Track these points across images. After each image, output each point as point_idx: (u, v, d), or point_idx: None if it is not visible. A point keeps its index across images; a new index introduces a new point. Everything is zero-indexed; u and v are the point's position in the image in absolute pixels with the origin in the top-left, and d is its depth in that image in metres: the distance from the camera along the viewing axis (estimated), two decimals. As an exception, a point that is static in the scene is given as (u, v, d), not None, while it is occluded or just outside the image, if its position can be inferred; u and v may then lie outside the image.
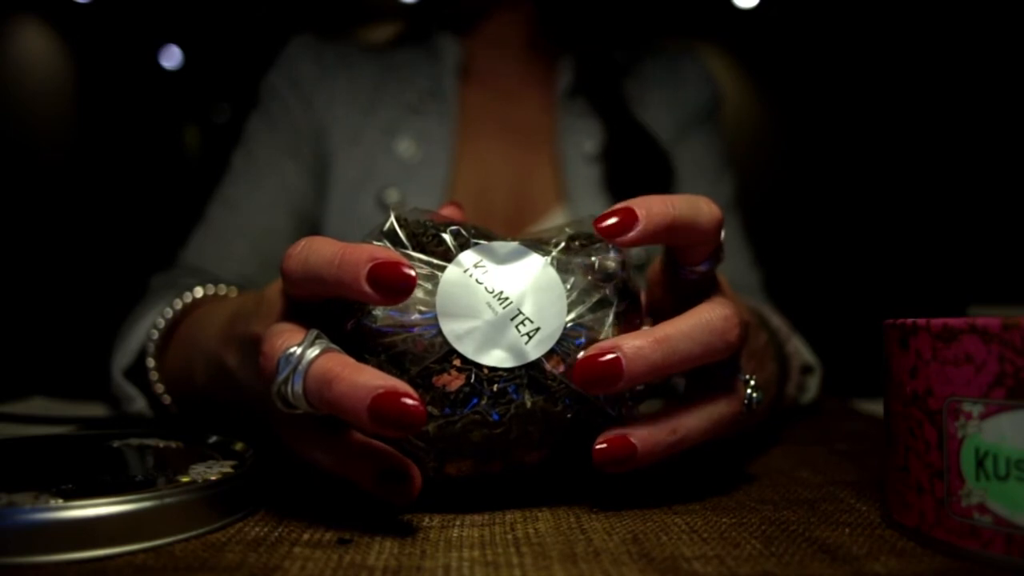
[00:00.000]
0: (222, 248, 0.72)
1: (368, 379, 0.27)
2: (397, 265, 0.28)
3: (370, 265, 0.28)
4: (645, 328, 0.31)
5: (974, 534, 0.26)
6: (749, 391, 0.35)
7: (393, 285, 0.28)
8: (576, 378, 0.30)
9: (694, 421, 0.32)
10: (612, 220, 0.31)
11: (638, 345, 0.30)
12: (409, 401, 0.27)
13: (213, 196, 0.76)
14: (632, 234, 0.31)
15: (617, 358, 0.29)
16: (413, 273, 0.28)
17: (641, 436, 0.31)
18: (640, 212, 0.31)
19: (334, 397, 0.27)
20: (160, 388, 0.53)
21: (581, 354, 0.30)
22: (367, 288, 0.28)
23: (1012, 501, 0.25)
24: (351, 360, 0.29)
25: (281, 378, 0.29)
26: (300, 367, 0.28)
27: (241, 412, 0.41)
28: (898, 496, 0.29)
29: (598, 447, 0.31)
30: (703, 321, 0.31)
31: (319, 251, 0.30)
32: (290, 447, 0.32)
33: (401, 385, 0.27)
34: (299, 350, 0.29)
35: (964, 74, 2.77)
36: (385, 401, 0.26)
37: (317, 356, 0.28)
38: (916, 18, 2.86)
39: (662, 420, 0.32)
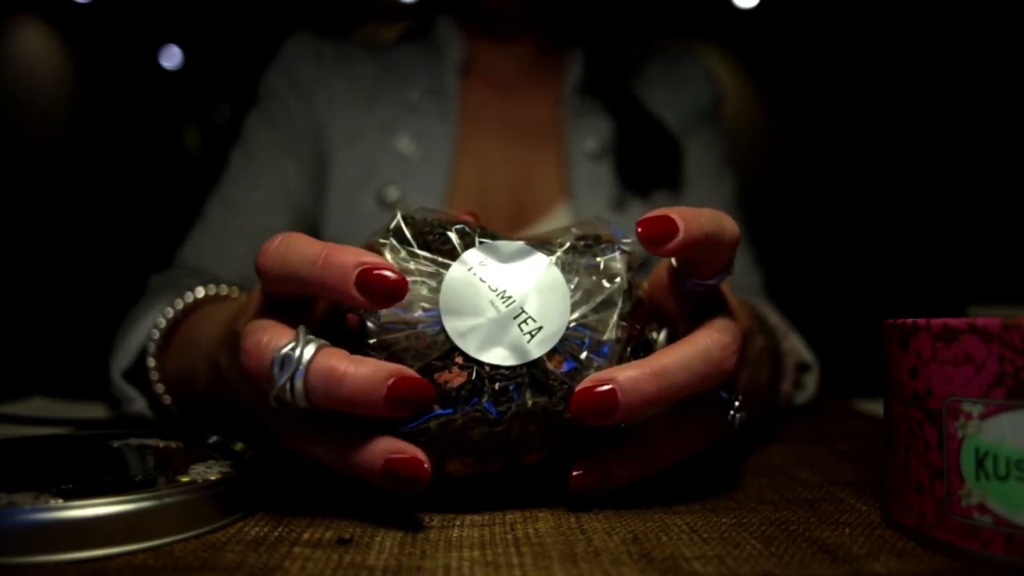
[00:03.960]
0: (221, 248, 0.72)
1: (376, 370, 0.28)
2: (385, 271, 0.29)
3: (358, 270, 0.29)
4: (640, 361, 0.31)
5: (974, 534, 0.26)
6: (733, 411, 0.35)
7: (382, 291, 0.29)
8: (572, 409, 0.30)
9: (671, 456, 0.34)
10: (656, 226, 0.30)
11: (634, 377, 0.30)
12: (420, 380, 0.28)
13: (212, 195, 0.76)
14: (672, 244, 0.30)
15: (612, 390, 0.29)
16: (402, 277, 0.29)
17: (615, 473, 0.32)
18: (680, 223, 0.30)
19: (346, 393, 0.28)
20: (161, 388, 0.53)
21: (578, 387, 0.30)
22: (355, 293, 0.29)
23: (1012, 501, 0.25)
24: (347, 353, 0.29)
25: (281, 381, 0.28)
26: (300, 368, 0.28)
27: (241, 412, 0.41)
28: (898, 496, 0.29)
29: (574, 474, 0.32)
30: (702, 350, 0.31)
31: (298, 249, 0.30)
32: (290, 447, 0.32)
33: (404, 368, 0.29)
34: (296, 351, 0.28)
35: (964, 74, 2.77)
36: (401, 386, 0.28)
37: (314, 355, 0.29)
38: (916, 18, 2.86)
39: (637, 452, 0.33)
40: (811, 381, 0.62)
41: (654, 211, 0.31)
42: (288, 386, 0.28)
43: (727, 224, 0.32)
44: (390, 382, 0.28)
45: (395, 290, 0.29)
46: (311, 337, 0.29)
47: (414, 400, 0.28)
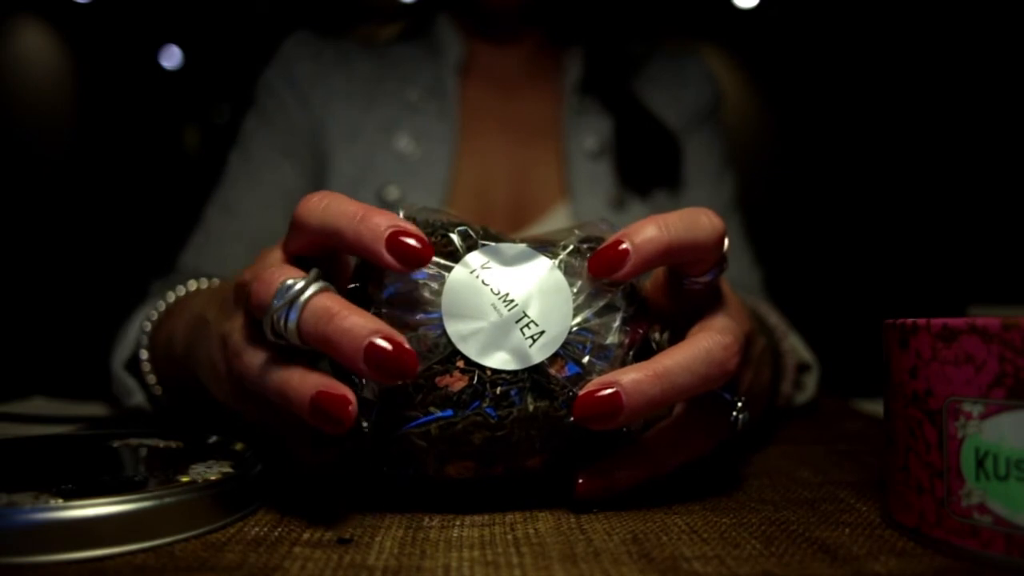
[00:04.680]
0: (221, 251, 0.72)
1: (367, 321, 0.28)
2: (418, 237, 0.30)
3: (391, 231, 0.30)
4: (642, 363, 0.31)
5: (974, 534, 0.26)
6: (736, 413, 0.35)
7: (410, 256, 0.30)
8: (576, 413, 0.30)
9: (674, 459, 0.34)
10: (602, 260, 0.31)
11: (637, 379, 0.30)
12: (406, 347, 0.28)
13: (211, 199, 0.76)
14: (624, 271, 0.31)
15: (617, 393, 0.29)
16: (429, 247, 0.30)
17: (619, 477, 0.32)
18: (629, 247, 0.31)
19: (331, 332, 0.28)
20: (152, 379, 0.53)
21: (582, 391, 0.30)
22: (384, 251, 0.30)
23: (1012, 501, 0.25)
24: (349, 303, 0.30)
25: (277, 304, 0.29)
26: (300, 300, 0.29)
27: (204, 377, 0.40)
28: (898, 496, 0.29)
29: (580, 481, 0.32)
30: (703, 352, 0.31)
31: (340, 204, 0.31)
32: (247, 384, 0.32)
33: (395, 332, 0.28)
34: (301, 284, 0.29)
35: (964, 74, 2.77)
36: (381, 347, 0.28)
37: (318, 292, 0.29)
38: (916, 18, 2.86)
39: (641, 455, 0.33)
40: (811, 381, 0.62)
41: (606, 241, 0.32)
42: (284, 314, 0.29)
43: (703, 222, 0.32)
44: (374, 338, 0.28)
45: (422, 256, 0.30)
46: (321, 280, 0.30)
47: (391, 366, 0.28)
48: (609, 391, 0.29)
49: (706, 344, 0.31)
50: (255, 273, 0.32)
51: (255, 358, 0.31)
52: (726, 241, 0.34)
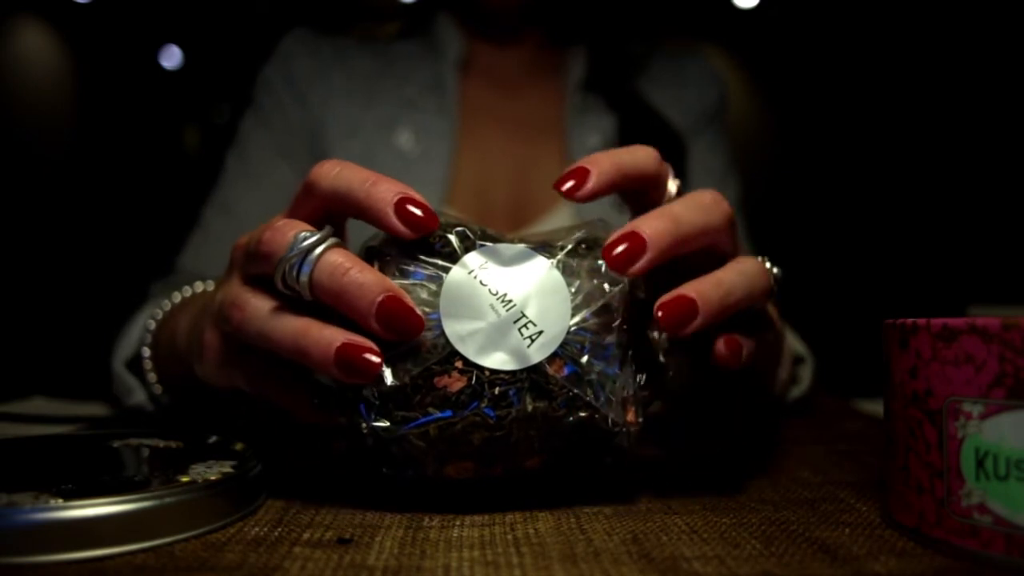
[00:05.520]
0: (219, 252, 0.72)
1: (379, 279, 0.30)
2: (424, 207, 0.31)
3: (400, 197, 0.31)
4: (647, 213, 0.32)
5: (974, 534, 0.26)
6: (769, 266, 0.36)
7: (415, 223, 0.31)
8: (609, 266, 0.31)
9: (732, 274, 0.33)
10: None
11: (651, 219, 0.31)
12: (414, 308, 0.30)
13: (209, 200, 0.76)
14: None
15: (640, 238, 0.31)
16: (433, 217, 0.31)
17: (695, 288, 0.32)
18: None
19: (346, 285, 0.29)
20: (153, 377, 0.53)
21: (604, 247, 0.31)
22: (392, 215, 0.31)
23: (1012, 501, 0.25)
24: (361, 260, 0.31)
25: (291, 254, 0.30)
26: (315, 253, 0.30)
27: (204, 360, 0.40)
28: (898, 496, 0.29)
29: (660, 315, 0.31)
30: (693, 199, 0.33)
31: (352, 170, 0.32)
32: (253, 342, 0.32)
33: (405, 294, 0.30)
34: (316, 237, 0.30)
35: (964, 74, 2.77)
36: (394, 304, 0.29)
37: (333, 246, 0.30)
38: (916, 18, 2.86)
39: (704, 277, 0.33)
40: (806, 374, 0.62)
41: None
42: (297, 265, 0.30)
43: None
44: (386, 295, 0.29)
45: (425, 225, 0.31)
46: (336, 238, 0.31)
47: (400, 324, 0.29)
48: (629, 243, 0.31)
49: (694, 195, 0.33)
50: (259, 231, 0.32)
51: (260, 307, 0.32)
52: (671, 184, 0.36)
